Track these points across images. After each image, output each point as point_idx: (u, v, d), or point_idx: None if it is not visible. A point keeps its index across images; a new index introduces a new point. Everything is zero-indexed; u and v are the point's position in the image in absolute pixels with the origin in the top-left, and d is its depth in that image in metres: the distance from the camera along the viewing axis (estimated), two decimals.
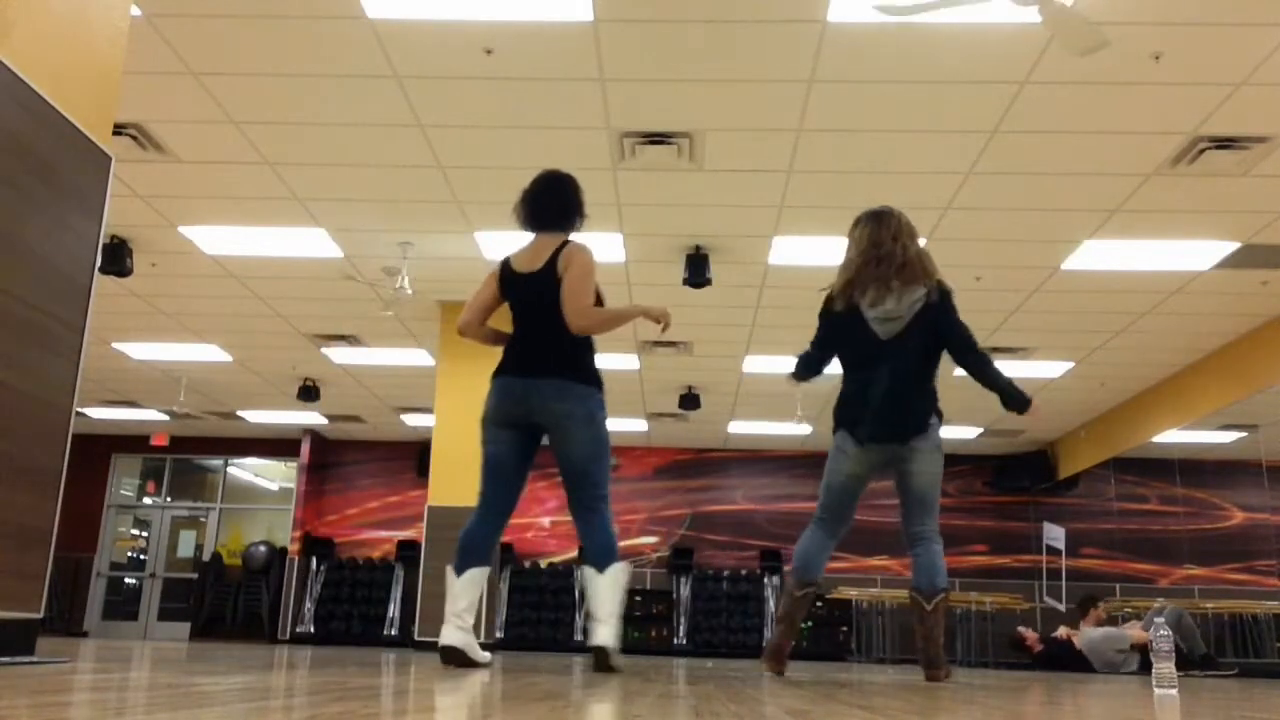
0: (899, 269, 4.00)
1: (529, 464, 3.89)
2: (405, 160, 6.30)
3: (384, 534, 14.63)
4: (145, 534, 15.25)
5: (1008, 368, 10.02)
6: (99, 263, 3.10)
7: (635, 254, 7.65)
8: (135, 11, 4.80)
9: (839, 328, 4.11)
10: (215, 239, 7.57)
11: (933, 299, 3.98)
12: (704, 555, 14.25)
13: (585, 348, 3.78)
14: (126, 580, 15.00)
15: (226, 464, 15.33)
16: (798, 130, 5.79)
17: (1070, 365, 10.07)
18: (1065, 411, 11.97)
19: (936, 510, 4.05)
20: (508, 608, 13.75)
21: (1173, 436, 11.51)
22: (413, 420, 13.47)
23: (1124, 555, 13.97)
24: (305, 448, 14.51)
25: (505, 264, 3.92)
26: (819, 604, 13.70)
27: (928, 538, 4.01)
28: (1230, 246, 7.14)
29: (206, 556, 14.69)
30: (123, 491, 15.34)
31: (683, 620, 13.83)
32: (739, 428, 13.33)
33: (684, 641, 13.71)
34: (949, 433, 11.89)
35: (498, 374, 3.84)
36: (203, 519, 15.25)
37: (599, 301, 3.79)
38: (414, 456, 14.55)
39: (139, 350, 10.51)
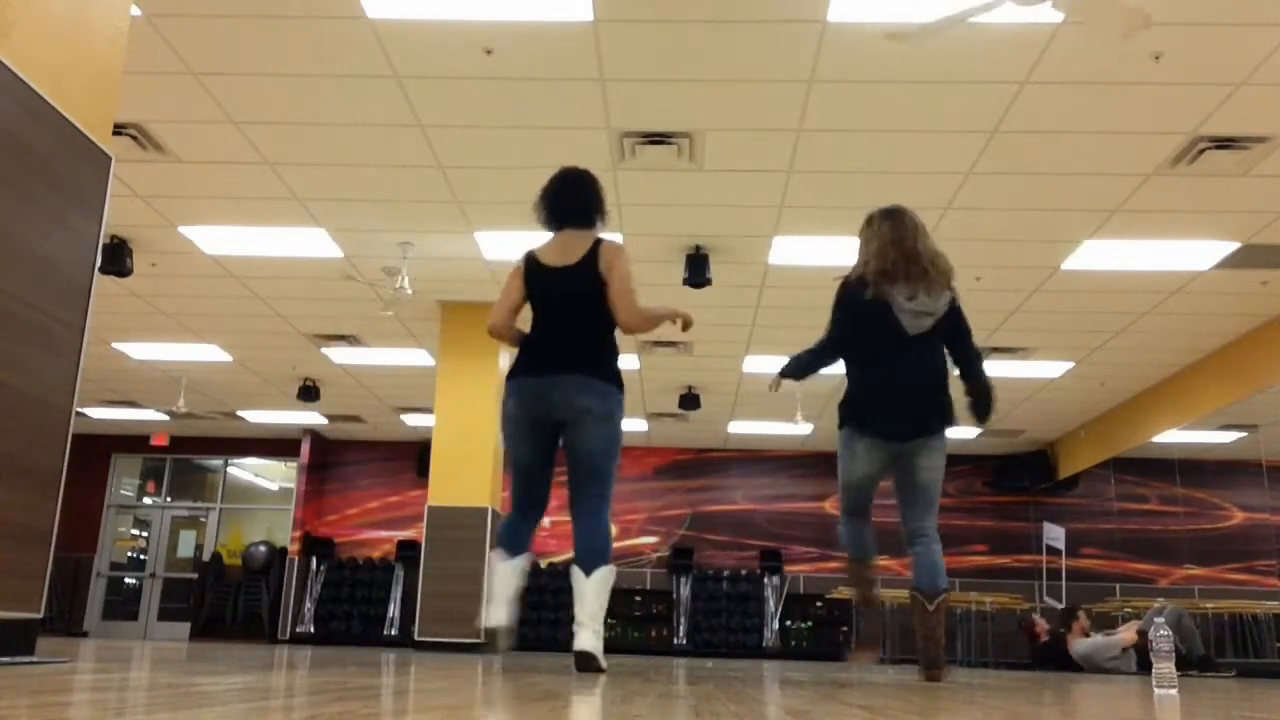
0: (931, 263, 4.02)
1: (554, 458, 3.85)
2: (405, 160, 6.30)
3: (384, 534, 14.63)
4: (145, 534, 15.25)
5: (1008, 368, 10.04)
6: (99, 263, 3.10)
7: (635, 254, 7.62)
8: (135, 11, 4.80)
9: (863, 316, 4.03)
10: (215, 239, 7.57)
11: (955, 302, 4.05)
12: (704, 555, 14.25)
13: (611, 348, 3.78)
14: (126, 580, 15.00)
15: (226, 464, 15.33)
16: (798, 130, 5.79)
17: (1070, 365, 10.07)
18: (1065, 411, 11.97)
19: (937, 508, 4.07)
20: None
21: (1173, 436, 11.51)
22: (413, 420, 13.48)
23: (1124, 555, 13.97)
24: (305, 448, 14.51)
25: (531, 259, 3.86)
26: (819, 604, 13.72)
27: (928, 536, 4.01)
28: (1230, 246, 7.14)
29: (206, 556, 14.69)
30: (123, 491, 15.34)
31: (683, 620, 13.83)
32: (739, 428, 13.33)
33: (684, 641, 13.71)
34: (948, 432, 11.85)
35: (516, 374, 3.77)
36: (203, 519, 15.25)
37: None
38: (414, 456, 14.55)
39: (139, 350, 10.51)
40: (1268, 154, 5.86)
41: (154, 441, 14.87)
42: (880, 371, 4.01)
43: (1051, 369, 10.21)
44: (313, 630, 13.90)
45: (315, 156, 6.29)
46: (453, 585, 8.34)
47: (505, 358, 8.96)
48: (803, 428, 12.68)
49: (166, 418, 13.67)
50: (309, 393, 11.68)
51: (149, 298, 8.88)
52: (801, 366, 4.27)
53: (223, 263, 8.02)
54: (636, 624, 13.72)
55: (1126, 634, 9.05)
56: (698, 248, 7.43)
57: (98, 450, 14.75)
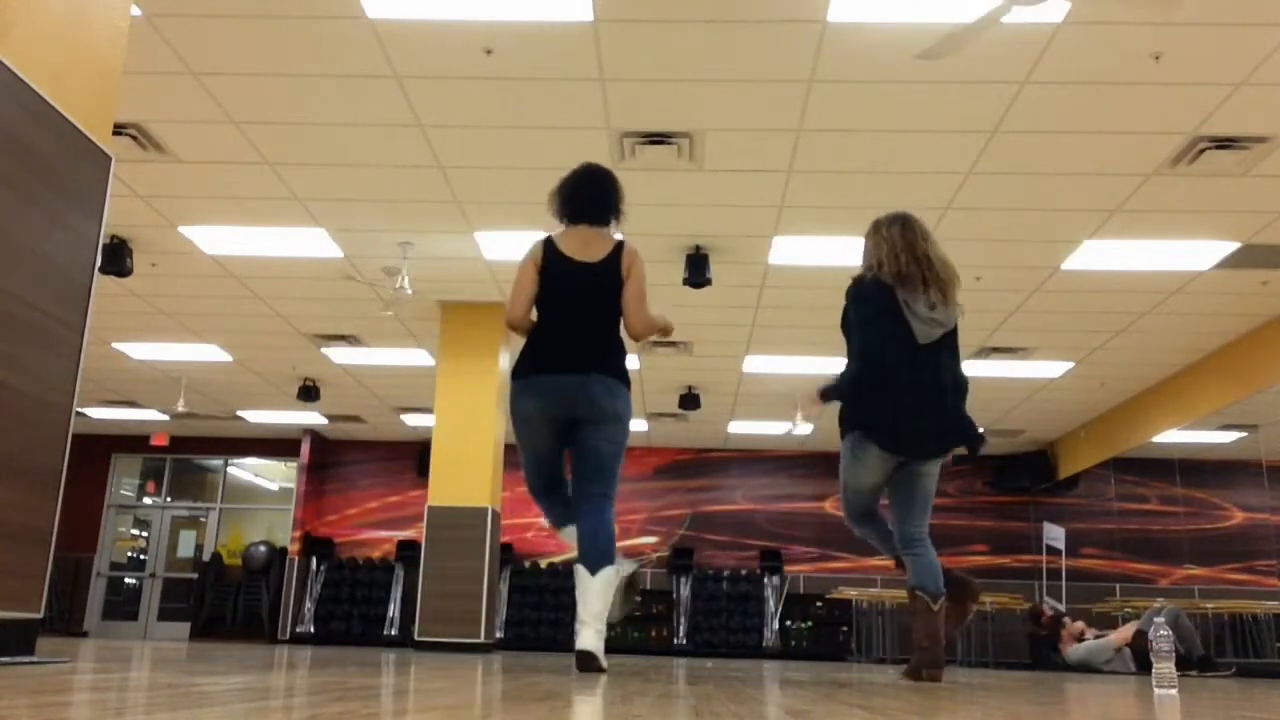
0: (944, 270, 3.97)
1: (566, 444, 3.87)
2: (405, 160, 6.30)
3: (384, 534, 14.63)
4: (145, 534, 15.25)
5: (1008, 368, 10.05)
6: (99, 263, 3.10)
7: None
8: (135, 11, 4.80)
9: (887, 315, 3.90)
10: (215, 239, 7.57)
11: (960, 318, 4.02)
12: (704, 555, 14.25)
13: (621, 347, 3.79)
14: (126, 580, 14.99)
15: (226, 464, 15.33)
16: (798, 130, 5.79)
17: (1070, 365, 10.07)
18: (1065, 411, 11.97)
19: (930, 511, 4.09)
20: (508, 607, 13.75)
21: (1173, 436, 11.51)
22: (413, 420, 13.47)
23: (1124, 555, 13.97)
24: (305, 448, 14.51)
25: (550, 247, 3.81)
26: (819, 604, 13.73)
27: (925, 538, 4.03)
28: (1230, 246, 7.14)
29: (206, 556, 14.69)
30: (123, 491, 15.34)
31: (683, 620, 13.83)
32: (739, 428, 13.33)
33: (684, 641, 13.71)
34: None
35: (530, 372, 3.71)
36: (203, 519, 15.25)
37: None
38: (414, 456, 14.55)
39: (139, 350, 10.51)
40: (1268, 154, 5.86)
41: (154, 441, 14.87)
42: (898, 381, 3.87)
43: (1051, 369, 10.21)
44: (313, 630, 13.90)
45: (315, 156, 6.29)
46: (453, 585, 8.34)
47: (505, 357, 8.96)
48: (803, 428, 12.69)
49: (166, 418, 13.67)
50: (309, 393, 11.68)
51: (149, 298, 8.88)
52: (858, 385, 3.93)
53: (223, 263, 8.02)
54: (636, 624, 13.72)
55: (1118, 634, 9.06)
56: (698, 248, 7.43)
57: (98, 450, 14.75)
